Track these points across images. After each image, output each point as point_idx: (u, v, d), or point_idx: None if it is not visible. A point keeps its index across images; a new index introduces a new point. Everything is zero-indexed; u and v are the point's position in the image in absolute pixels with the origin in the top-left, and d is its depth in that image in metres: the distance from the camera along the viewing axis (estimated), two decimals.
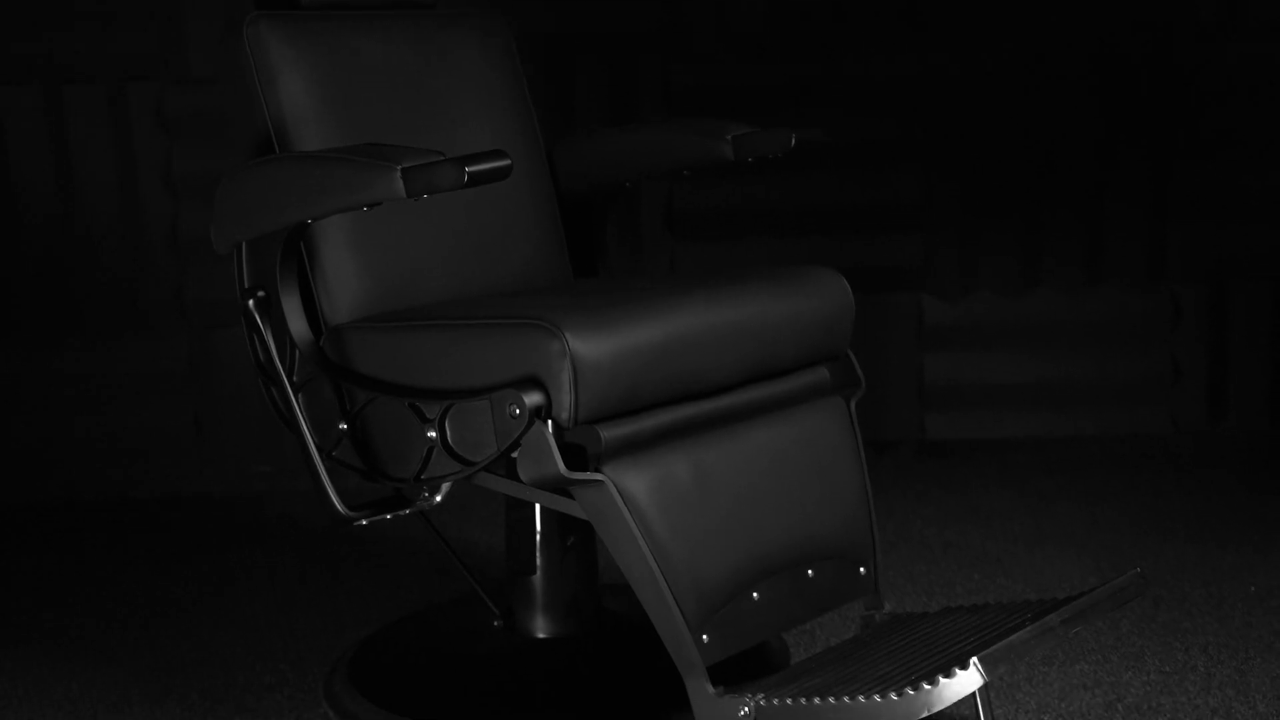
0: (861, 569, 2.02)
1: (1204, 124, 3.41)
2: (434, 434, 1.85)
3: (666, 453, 1.84)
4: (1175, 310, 3.47)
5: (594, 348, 1.75)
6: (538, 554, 2.15)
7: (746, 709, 1.75)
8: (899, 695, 1.64)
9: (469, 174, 1.69)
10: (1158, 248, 3.45)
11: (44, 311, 3.29)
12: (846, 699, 1.67)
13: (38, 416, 3.30)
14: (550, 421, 1.76)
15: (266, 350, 1.94)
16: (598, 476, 1.76)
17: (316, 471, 1.93)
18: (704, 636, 1.80)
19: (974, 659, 1.63)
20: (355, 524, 1.94)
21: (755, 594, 1.87)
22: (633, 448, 1.81)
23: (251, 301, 1.94)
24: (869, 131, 3.42)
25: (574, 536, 2.15)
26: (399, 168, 1.69)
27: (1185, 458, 3.34)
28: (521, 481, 1.80)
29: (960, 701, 1.66)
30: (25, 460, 3.29)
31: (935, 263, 3.46)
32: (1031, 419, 3.49)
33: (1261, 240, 3.45)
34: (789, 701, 1.71)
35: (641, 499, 1.78)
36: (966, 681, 1.62)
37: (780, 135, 2.22)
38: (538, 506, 2.12)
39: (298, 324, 1.96)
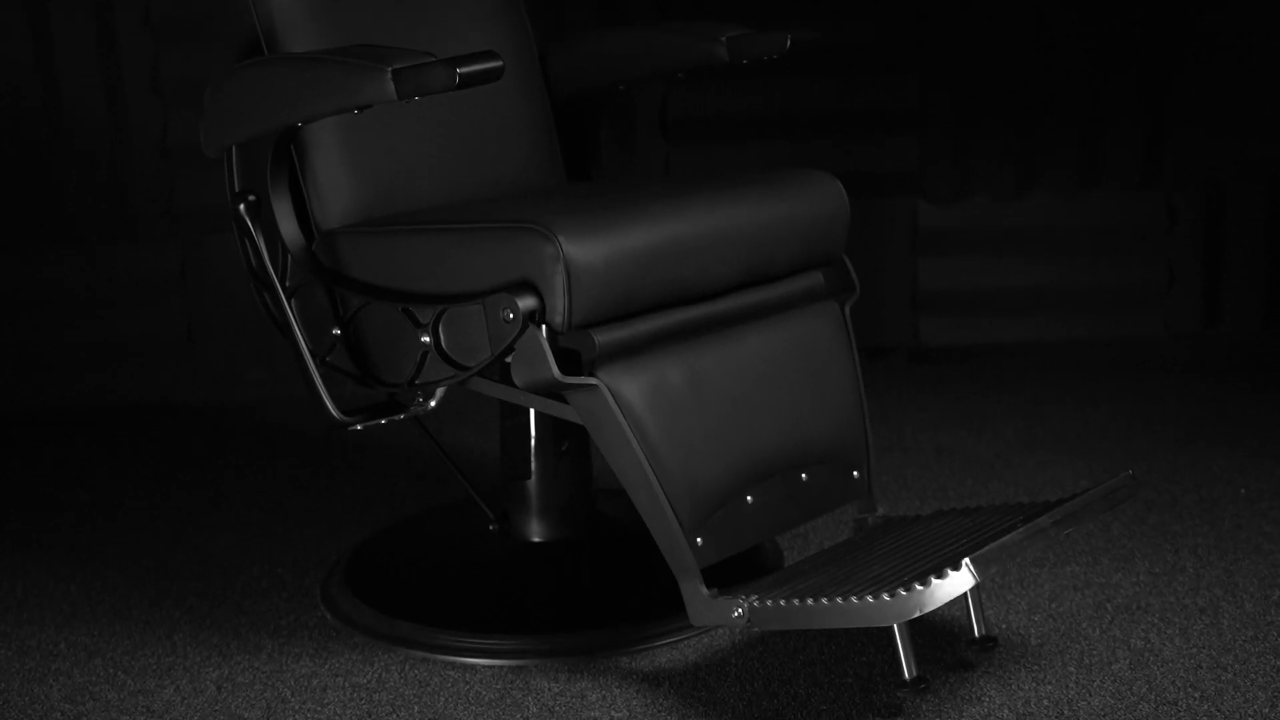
0: (855, 473, 2.03)
1: (1201, 30, 3.37)
2: (428, 339, 1.84)
3: (661, 357, 1.83)
4: (1170, 215, 3.45)
5: (588, 251, 1.74)
6: (532, 459, 2.15)
7: (740, 610, 1.76)
8: (891, 596, 1.65)
9: (460, 75, 1.67)
10: (1153, 154, 3.43)
11: (33, 219, 3.27)
12: (839, 600, 1.68)
13: (29, 325, 3.29)
14: (544, 326, 1.75)
15: (258, 255, 1.93)
16: (592, 381, 1.76)
17: (310, 377, 1.92)
18: (698, 539, 1.81)
19: (966, 560, 1.64)
20: (349, 429, 1.94)
21: (749, 497, 1.88)
22: (627, 352, 1.80)
23: (242, 205, 1.92)
24: (865, 36, 3.38)
25: (568, 441, 2.15)
26: (390, 69, 1.67)
27: (1178, 362, 3.34)
28: (516, 386, 1.80)
29: (952, 602, 1.67)
30: (18, 369, 3.29)
31: (930, 168, 3.44)
32: (1025, 324, 3.49)
33: (1256, 146, 3.42)
34: (782, 603, 1.73)
35: (636, 403, 1.78)
36: (958, 582, 1.64)
37: (775, 37, 2.19)
38: (532, 411, 2.12)
39: (289, 228, 1.95)
